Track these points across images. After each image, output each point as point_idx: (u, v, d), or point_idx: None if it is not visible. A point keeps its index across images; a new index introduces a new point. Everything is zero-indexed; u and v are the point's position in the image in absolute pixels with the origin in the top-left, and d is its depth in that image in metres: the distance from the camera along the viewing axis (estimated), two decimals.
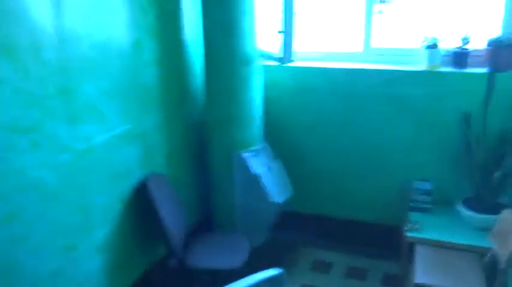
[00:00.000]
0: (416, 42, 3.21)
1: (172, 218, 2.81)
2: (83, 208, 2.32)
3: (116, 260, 2.64)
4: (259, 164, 3.23)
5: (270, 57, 3.52)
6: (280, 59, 3.52)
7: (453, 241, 2.85)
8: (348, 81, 3.31)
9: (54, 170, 2.10)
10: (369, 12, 3.31)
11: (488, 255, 2.61)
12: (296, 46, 3.58)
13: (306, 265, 3.40)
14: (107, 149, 2.46)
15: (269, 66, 3.49)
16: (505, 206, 2.78)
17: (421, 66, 3.15)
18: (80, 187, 2.28)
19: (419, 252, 2.76)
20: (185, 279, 3.05)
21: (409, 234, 2.93)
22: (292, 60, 3.58)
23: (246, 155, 3.16)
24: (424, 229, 2.96)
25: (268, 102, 3.51)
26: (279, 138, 3.61)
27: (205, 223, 3.55)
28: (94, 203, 2.40)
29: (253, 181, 3.16)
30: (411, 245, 2.90)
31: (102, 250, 2.52)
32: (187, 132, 3.32)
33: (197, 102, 3.39)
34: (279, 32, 3.47)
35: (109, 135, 2.45)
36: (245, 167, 3.16)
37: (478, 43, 3.07)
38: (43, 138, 2.02)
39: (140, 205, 2.76)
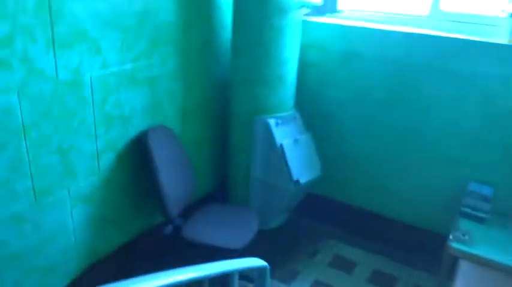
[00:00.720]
0: (499, 8, 2.56)
1: (174, 180, 2.48)
2: (63, 149, 2.03)
3: (102, 215, 2.36)
4: (286, 134, 2.79)
5: (310, 6, 3.02)
6: (322, 8, 3.03)
7: (509, 264, 2.28)
8: (404, 49, 2.72)
9: (26, 98, 1.81)
10: None
11: None
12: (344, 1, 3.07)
13: (325, 258, 2.95)
14: (102, 87, 2.14)
15: (310, 22, 2.98)
16: None
17: (502, 39, 2.51)
18: (60, 124, 1.98)
19: (464, 269, 2.26)
20: (181, 251, 2.72)
21: (454, 245, 2.40)
22: (336, 11, 3.06)
23: (271, 121, 2.73)
24: (474, 242, 2.42)
25: (304, 65, 3.02)
26: (312, 108, 3.12)
27: (219, 195, 3.19)
28: (78, 146, 2.10)
29: (276, 152, 2.74)
30: (455, 259, 2.38)
31: (86, 201, 2.23)
32: (208, 87, 2.92)
33: (222, 53, 2.96)
34: None
35: (105, 71, 2.13)
36: (268, 135, 2.74)
37: None
38: (12, 57, 1.72)
39: (138, 159, 2.44)
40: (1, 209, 1.83)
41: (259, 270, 1.61)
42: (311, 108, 3.11)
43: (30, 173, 1.90)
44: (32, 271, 2.02)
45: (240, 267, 1.50)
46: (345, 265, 2.90)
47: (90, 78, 2.06)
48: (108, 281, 2.47)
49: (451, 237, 2.45)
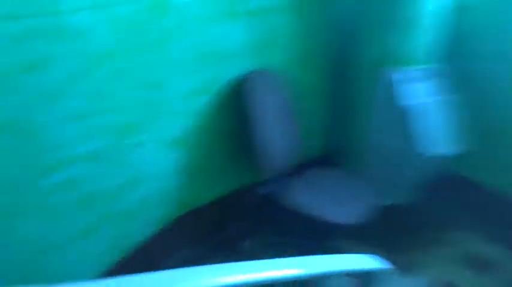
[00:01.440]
0: None
1: (276, 134, 2.13)
2: (148, 85, 1.78)
3: (193, 164, 2.13)
4: (420, 93, 2.20)
5: None
6: None
7: None
8: None
9: (103, 21, 1.54)
10: None
11: None
12: None
13: (453, 252, 2.37)
14: (193, 17, 1.82)
15: None
16: None
17: None
18: (143, 55, 1.72)
19: None
20: (278, 217, 2.39)
21: None
22: None
23: (401, 75, 2.16)
24: None
25: (459, 7, 2.33)
26: (462, 64, 2.41)
27: (329, 158, 2.73)
28: (166, 83, 1.84)
29: (404, 115, 2.18)
30: None
31: (173, 146, 2.00)
32: (328, 27, 2.41)
33: None
34: None
35: None
36: (396, 92, 2.19)
37: None
38: None
39: (237, 105, 2.11)
40: (77, 145, 1.66)
41: (375, 273, 1.17)
42: (460, 64, 2.41)
43: (112, 108, 1.69)
44: (108, 216, 1.86)
45: (346, 269, 1.09)
46: (478, 264, 2.30)
47: (179, 4, 1.75)
48: (193, 237, 2.27)
49: None
